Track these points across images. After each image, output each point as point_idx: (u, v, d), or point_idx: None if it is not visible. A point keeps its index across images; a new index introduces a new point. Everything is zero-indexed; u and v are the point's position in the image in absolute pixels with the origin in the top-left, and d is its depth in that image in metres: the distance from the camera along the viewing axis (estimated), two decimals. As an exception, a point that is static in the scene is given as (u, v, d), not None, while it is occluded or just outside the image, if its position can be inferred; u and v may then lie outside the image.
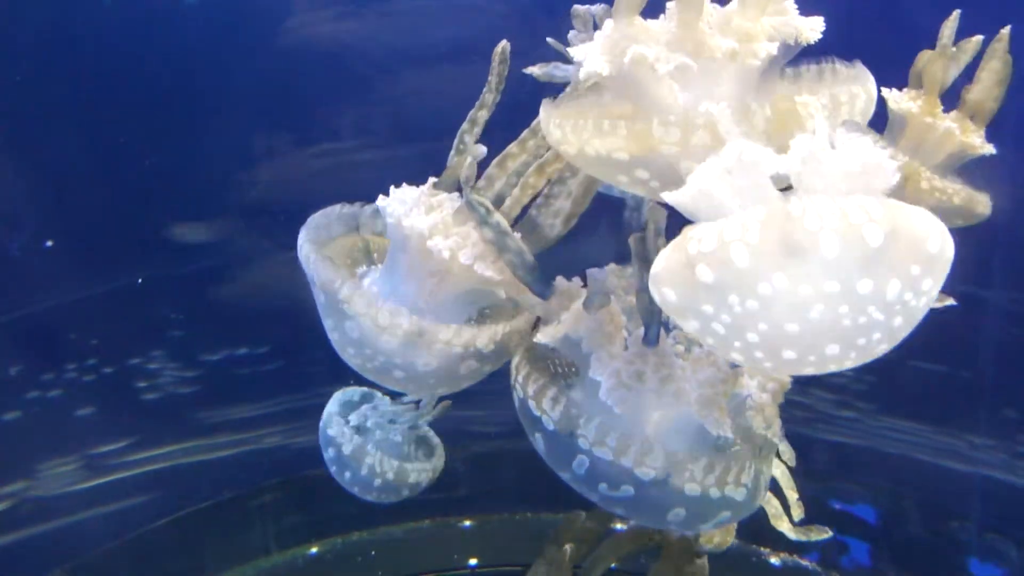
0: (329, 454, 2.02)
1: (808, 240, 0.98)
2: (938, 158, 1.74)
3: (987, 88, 1.71)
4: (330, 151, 2.65)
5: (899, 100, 1.74)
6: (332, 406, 2.05)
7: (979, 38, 1.71)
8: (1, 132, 2.42)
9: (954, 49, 1.71)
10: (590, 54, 1.20)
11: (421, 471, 2.08)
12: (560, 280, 1.54)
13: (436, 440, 2.16)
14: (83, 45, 2.45)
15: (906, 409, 2.63)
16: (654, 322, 1.42)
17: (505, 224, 1.47)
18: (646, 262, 1.40)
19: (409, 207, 1.54)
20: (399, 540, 2.66)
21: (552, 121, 1.23)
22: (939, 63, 1.72)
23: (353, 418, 2.05)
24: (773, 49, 1.17)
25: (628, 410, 1.42)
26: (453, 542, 2.69)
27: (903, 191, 1.68)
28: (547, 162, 1.54)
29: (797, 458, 1.62)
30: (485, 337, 1.51)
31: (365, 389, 2.10)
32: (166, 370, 2.74)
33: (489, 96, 1.62)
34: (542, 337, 1.47)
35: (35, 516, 2.60)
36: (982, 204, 1.75)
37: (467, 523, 2.74)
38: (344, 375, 1.71)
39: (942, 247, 1.04)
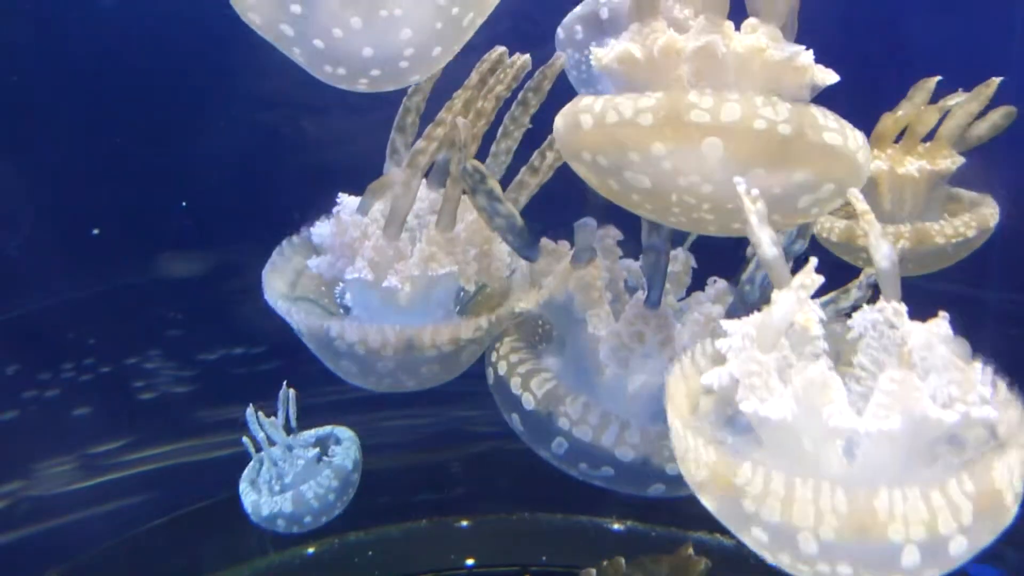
0: (280, 525, 2.05)
1: (888, 548, 0.91)
2: (921, 194, 1.79)
3: (959, 126, 1.78)
4: (330, 149, 2.65)
5: None
6: (248, 497, 2.09)
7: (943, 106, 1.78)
8: (-1, 131, 2.42)
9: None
10: (619, 43, 1.20)
11: (348, 452, 2.09)
12: (545, 241, 1.53)
13: (325, 429, 2.18)
14: (82, 45, 2.44)
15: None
16: (658, 284, 1.42)
17: (498, 190, 1.45)
18: (655, 225, 1.40)
19: (338, 258, 1.54)
20: (396, 540, 2.66)
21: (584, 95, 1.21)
22: (932, 116, 1.77)
23: (264, 487, 2.09)
24: (799, 57, 1.14)
25: (620, 372, 1.42)
26: (450, 542, 2.68)
27: (921, 248, 1.73)
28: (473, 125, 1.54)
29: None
30: (471, 327, 1.52)
31: (253, 456, 2.13)
32: (163, 370, 2.73)
33: (418, 97, 1.62)
34: (526, 304, 1.46)
35: (32, 516, 2.60)
36: (991, 212, 1.79)
37: (464, 523, 2.74)
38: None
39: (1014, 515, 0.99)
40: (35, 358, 2.59)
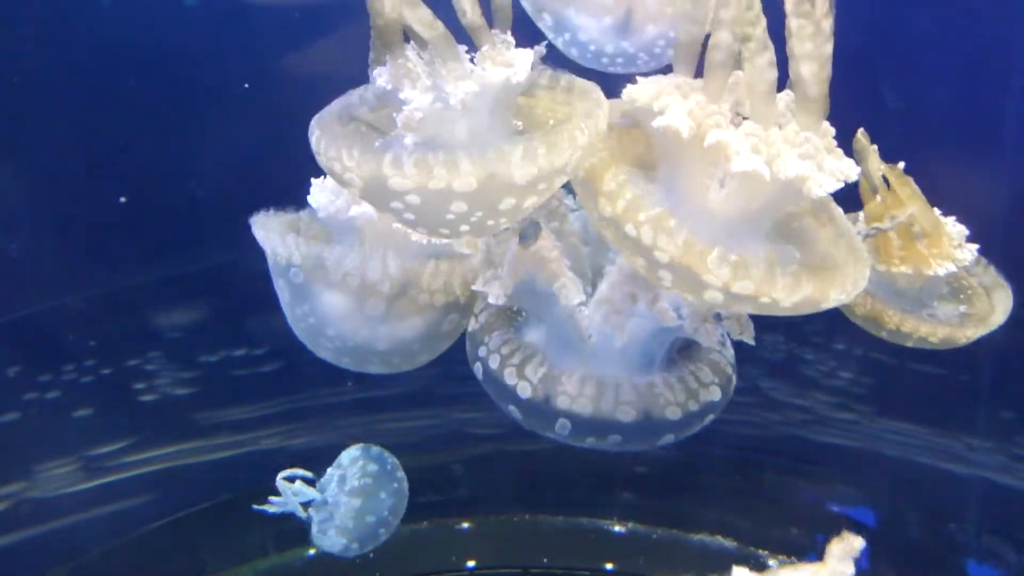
0: (372, 522, 2.18)
1: None
2: (943, 288, 1.74)
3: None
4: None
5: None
6: (334, 541, 2.19)
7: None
8: (-1, 132, 2.42)
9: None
10: (675, 109, 1.16)
11: (352, 449, 2.21)
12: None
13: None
14: (82, 45, 2.45)
15: (905, 411, 2.63)
16: None
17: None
18: None
19: (345, 199, 1.56)
20: (397, 541, 2.66)
21: (609, 174, 1.15)
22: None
23: (331, 525, 2.17)
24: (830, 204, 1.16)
25: (608, 333, 1.41)
26: (451, 544, 2.68)
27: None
28: None
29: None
30: (463, 276, 1.53)
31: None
32: (164, 371, 2.73)
33: None
34: (492, 299, 1.44)
35: (33, 517, 2.60)
36: (1004, 300, 1.74)
37: (465, 525, 2.74)
38: (341, 376, 1.71)
39: None
40: (36, 359, 2.60)
